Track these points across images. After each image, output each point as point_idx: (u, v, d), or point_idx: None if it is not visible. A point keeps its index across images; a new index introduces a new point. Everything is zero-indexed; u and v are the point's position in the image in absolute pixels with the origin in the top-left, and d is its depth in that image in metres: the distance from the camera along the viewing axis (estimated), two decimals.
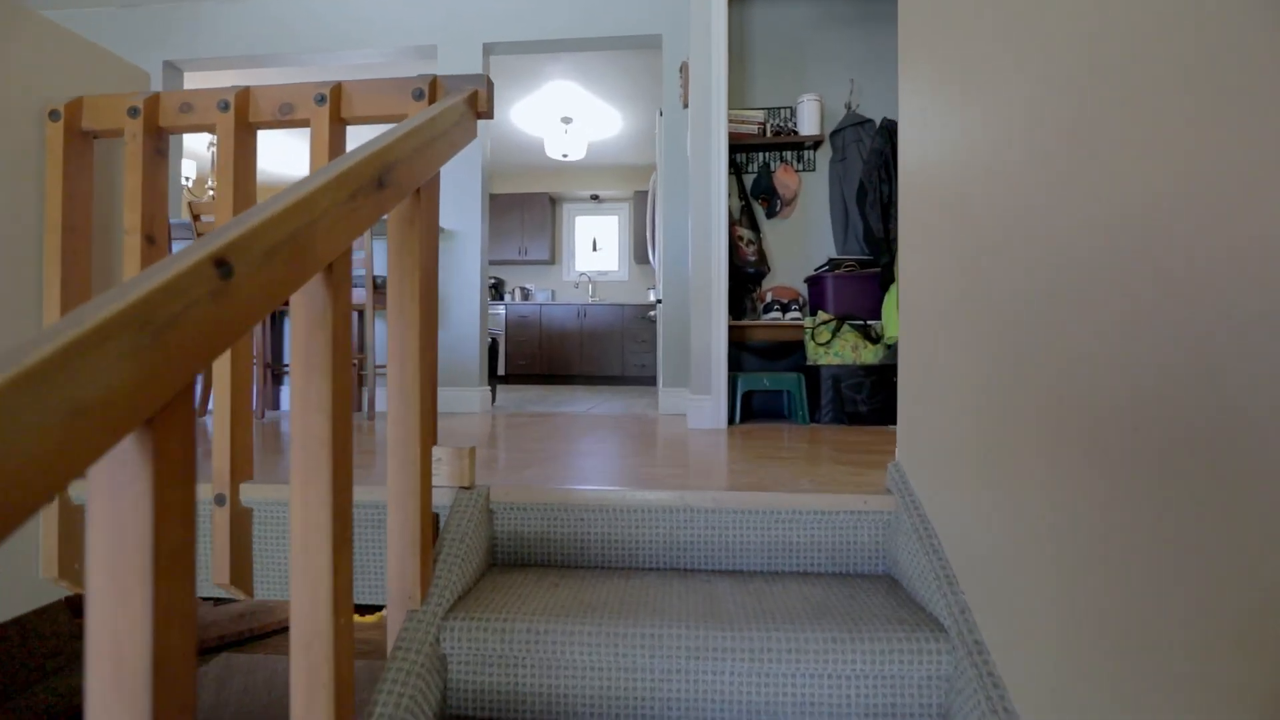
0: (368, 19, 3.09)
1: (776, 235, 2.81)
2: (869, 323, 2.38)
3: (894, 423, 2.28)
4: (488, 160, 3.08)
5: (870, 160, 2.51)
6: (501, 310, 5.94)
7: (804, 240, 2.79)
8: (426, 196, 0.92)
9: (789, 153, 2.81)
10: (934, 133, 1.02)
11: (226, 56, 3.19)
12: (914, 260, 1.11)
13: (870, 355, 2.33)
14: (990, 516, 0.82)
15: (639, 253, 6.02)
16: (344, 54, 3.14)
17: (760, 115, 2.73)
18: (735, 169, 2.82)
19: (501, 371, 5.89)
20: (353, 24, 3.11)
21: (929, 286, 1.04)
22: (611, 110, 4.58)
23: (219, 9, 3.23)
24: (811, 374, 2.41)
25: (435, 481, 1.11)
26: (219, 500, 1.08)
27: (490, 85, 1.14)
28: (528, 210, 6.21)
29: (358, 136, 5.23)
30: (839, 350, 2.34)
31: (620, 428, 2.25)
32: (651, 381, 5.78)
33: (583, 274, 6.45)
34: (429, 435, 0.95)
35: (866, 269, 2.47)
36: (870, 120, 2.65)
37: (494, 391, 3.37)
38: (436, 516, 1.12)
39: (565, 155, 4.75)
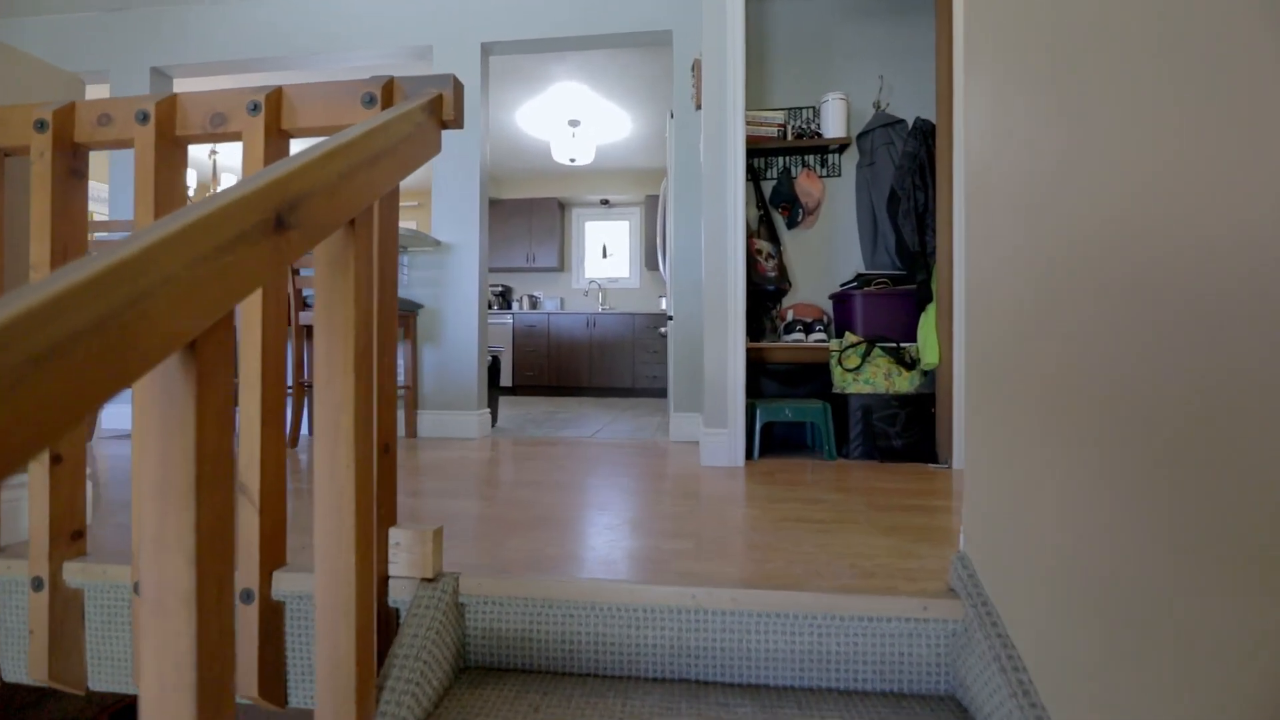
0: (360, 18, 2.93)
1: (798, 247, 2.58)
2: (903, 346, 2.15)
3: (932, 460, 2.05)
4: (487, 165, 2.90)
5: (903, 164, 2.27)
6: (509, 319, 5.77)
7: (829, 253, 2.56)
8: (365, 230, 0.72)
9: (812, 157, 2.58)
10: (1016, 132, 0.80)
11: (216, 61, 3.05)
12: (987, 269, 0.89)
13: (904, 383, 2.09)
14: (1105, 638, 0.60)
15: (651, 259, 5.81)
16: (337, 56, 2.98)
17: (780, 116, 2.50)
18: (753, 175, 2.60)
19: (508, 383, 5.72)
20: (345, 24, 2.94)
21: (1007, 304, 0.82)
22: (620, 112, 4.38)
23: (207, 11, 3.09)
24: (839, 402, 2.18)
25: (393, 570, 0.91)
26: (245, 597, 0.86)
27: (459, 88, 0.95)
28: (535, 216, 6.04)
29: None
30: (869, 377, 2.11)
31: (626, 464, 2.05)
32: (663, 394, 5.56)
33: (593, 281, 6.25)
34: (368, 530, 0.76)
35: (900, 286, 2.24)
36: (902, 120, 2.42)
37: (495, 412, 3.19)
38: (395, 612, 0.93)
39: (573, 160, 4.56)
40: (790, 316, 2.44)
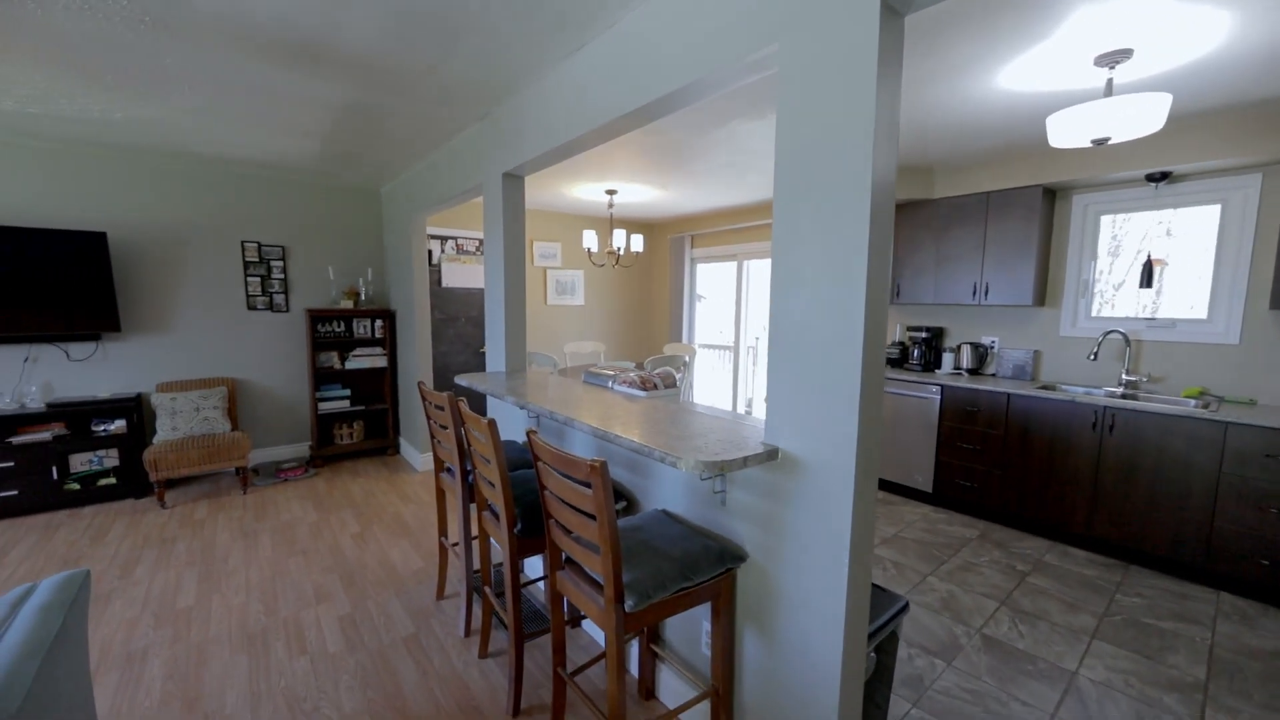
0: (677, 50, 1.73)
1: None
2: None
3: None
4: (884, 301, 1.29)
5: None
6: (934, 392, 3.80)
7: None
8: None
9: None
10: None
11: (546, 152, 2.44)
12: None
13: None
14: None
15: None
16: (661, 105, 1.88)
17: None
18: None
19: (928, 488, 3.84)
20: (654, 66, 1.82)
21: None
22: (1208, 10, 1.79)
23: (530, 96, 2.49)
24: None
25: None
26: None
27: None
28: (996, 218, 3.72)
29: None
30: None
31: None
32: (1273, 596, 2.58)
33: (1111, 331, 3.54)
34: None
35: None
36: None
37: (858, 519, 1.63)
38: None
39: (1101, 139, 2.24)
40: None
